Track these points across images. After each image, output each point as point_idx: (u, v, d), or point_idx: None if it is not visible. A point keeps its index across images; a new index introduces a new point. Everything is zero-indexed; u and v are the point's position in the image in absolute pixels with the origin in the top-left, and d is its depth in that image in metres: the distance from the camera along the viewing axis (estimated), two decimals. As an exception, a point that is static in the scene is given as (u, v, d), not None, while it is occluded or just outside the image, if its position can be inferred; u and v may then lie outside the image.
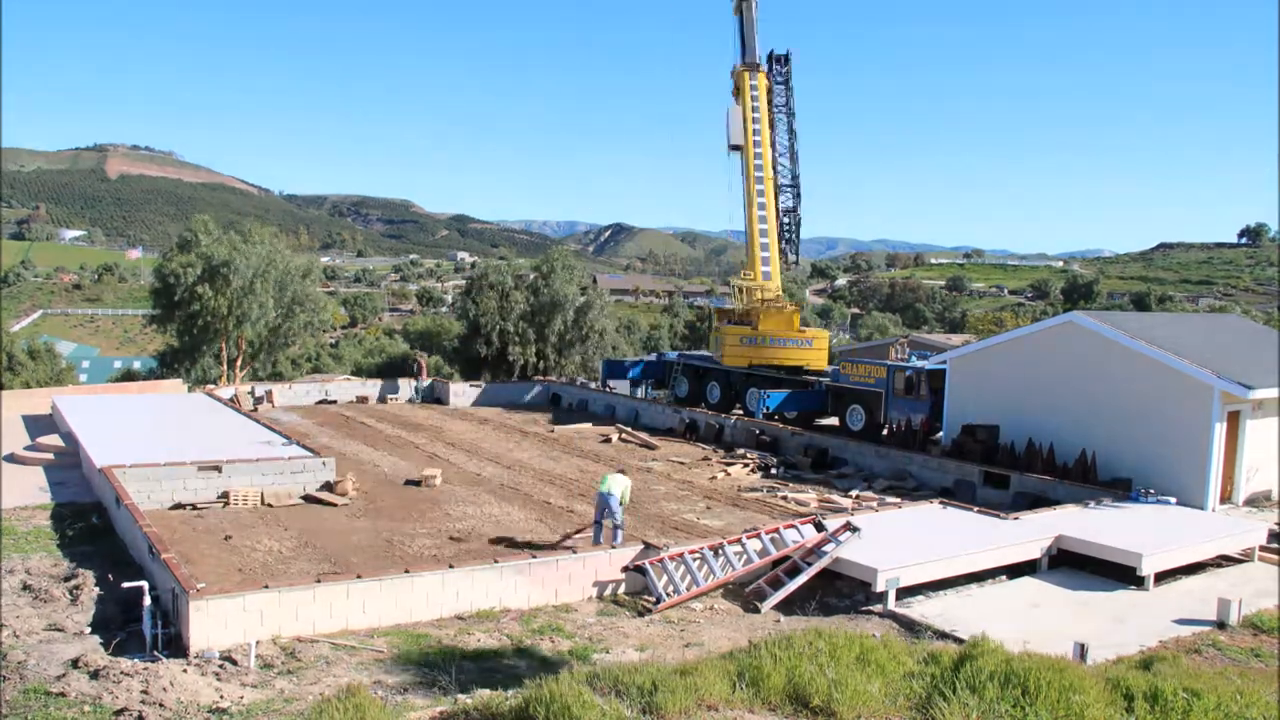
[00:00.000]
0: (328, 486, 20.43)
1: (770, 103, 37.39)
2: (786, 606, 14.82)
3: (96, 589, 13.92)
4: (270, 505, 19.35)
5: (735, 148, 36.18)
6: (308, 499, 20.02)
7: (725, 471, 24.82)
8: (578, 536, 17.48)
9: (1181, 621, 14.51)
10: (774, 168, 37.02)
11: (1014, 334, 25.88)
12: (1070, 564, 16.97)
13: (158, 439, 23.54)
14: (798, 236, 39.09)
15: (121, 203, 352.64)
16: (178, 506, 18.94)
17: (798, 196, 38.44)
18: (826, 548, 15.71)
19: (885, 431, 27.07)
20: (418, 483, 21.81)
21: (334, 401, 35.94)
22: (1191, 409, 20.41)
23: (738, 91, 36.82)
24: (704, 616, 14.37)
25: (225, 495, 19.32)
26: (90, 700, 9.80)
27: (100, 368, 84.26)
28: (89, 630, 12.46)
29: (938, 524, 18.01)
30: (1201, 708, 8.08)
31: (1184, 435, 20.39)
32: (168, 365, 43.90)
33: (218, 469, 19.57)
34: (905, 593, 15.02)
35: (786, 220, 38.22)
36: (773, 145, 37.25)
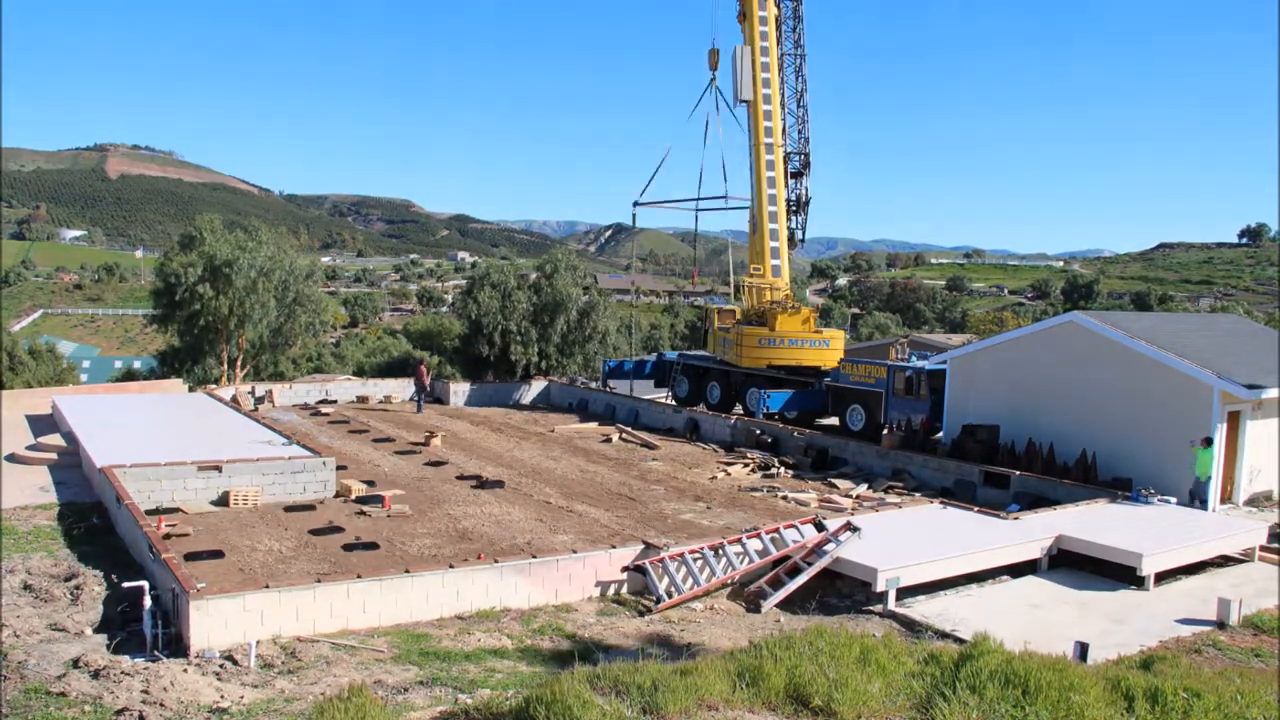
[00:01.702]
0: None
1: (779, 38, 33.09)
2: (787, 606, 14.83)
3: (102, 589, 13.93)
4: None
5: (745, 102, 32.78)
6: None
7: (725, 471, 24.83)
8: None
9: (1182, 621, 14.53)
10: (784, 131, 32.96)
11: (1014, 334, 25.89)
12: (1070, 564, 16.98)
13: (158, 439, 23.55)
14: (806, 212, 34.24)
15: (122, 203, 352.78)
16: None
17: (807, 164, 33.93)
18: (827, 548, 15.72)
19: (885, 431, 27.07)
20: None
21: (334, 401, 35.98)
22: (1192, 409, 20.40)
23: (744, 17, 33.11)
24: (704, 616, 14.38)
25: (226, 495, 19.34)
26: (91, 700, 9.81)
27: (101, 368, 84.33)
28: (90, 630, 12.46)
29: (938, 524, 18.02)
30: (1201, 708, 8.09)
31: (1184, 435, 20.38)
32: (168, 365, 43.86)
33: (218, 469, 19.57)
34: (905, 592, 15.04)
35: (793, 190, 33.79)
36: (783, 102, 33.22)
